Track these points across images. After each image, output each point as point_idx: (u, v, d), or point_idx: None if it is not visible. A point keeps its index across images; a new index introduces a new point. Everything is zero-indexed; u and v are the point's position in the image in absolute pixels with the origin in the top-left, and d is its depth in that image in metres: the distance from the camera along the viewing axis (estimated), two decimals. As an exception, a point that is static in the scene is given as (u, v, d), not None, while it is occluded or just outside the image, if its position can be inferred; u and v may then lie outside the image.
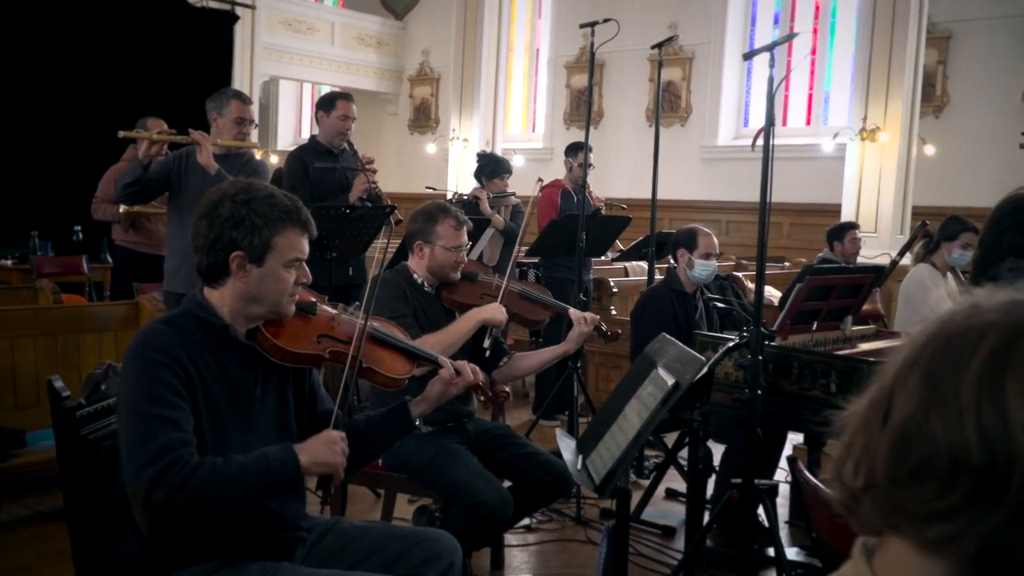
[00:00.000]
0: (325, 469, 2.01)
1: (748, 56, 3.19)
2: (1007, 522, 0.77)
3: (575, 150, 5.82)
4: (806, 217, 11.12)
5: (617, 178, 12.95)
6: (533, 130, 14.82)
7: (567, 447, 2.36)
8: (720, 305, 4.19)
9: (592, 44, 4.70)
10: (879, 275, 4.21)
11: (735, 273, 7.64)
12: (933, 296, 4.50)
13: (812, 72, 12.24)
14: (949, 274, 4.72)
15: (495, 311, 3.14)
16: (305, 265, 2.09)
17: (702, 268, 4.08)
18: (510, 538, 3.79)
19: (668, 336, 2.31)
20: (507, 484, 3.13)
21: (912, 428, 0.81)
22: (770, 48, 2.85)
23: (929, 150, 9.39)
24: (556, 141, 13.63)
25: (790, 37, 3.59)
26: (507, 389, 2.57)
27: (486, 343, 3.17)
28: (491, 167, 5.72)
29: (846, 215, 8.82)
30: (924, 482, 0.80)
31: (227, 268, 2.01)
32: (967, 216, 7.35)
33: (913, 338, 0.86)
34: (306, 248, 2.08)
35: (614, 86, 13.62)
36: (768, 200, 2.78)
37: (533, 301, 3.47)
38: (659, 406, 2.02)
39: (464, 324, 3.10)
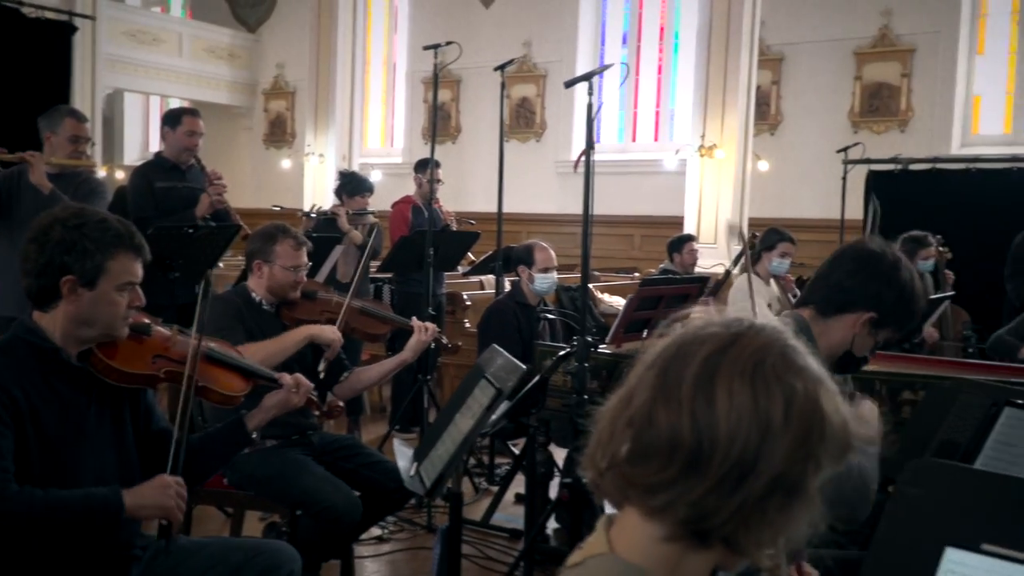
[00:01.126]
0: (156, 512, 2.05)
1: (569, 84, 3.38)
2: (708, 492, 0.97)
3: (423, 166, 5.94)
4: (655, 229, 11.59)
5: (475, 192, 13.16)
6: (392, 145, 14.86)
7: (403, 455, 2.46)
8: (550, 316, 4.39)
9: (436, 66, 4.84)
10: (704, 284, 4.50)
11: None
12: (755, 304, 4.84)
13: (659, 90, 12.81)
14: (772, 281, 5.10)
15: (325, 330, 3.19)
16: (139, 288, 2.12)
17: (542, 281, 4.27)
18: (361, 549, 3.85)
19: (497, 347, 2.45)
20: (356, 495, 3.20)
21: (644, 416, 1.00)
22: (587, 77, 3.06)
23: (763, 165, 9.99)
24: (415, 156, 13.68)
25: (604, 68, 3.84)
26: (341, 404, 2.66)
27: (321, 366, 3.20)
28: (352, 185, 5.78)
29: (688, 227, 9.28)
30: (650, 460, 0.99)
31: (58, 292, 2.02)
32: (799, 226, 7.89)
33: (657, 344, 1.05)
34: (139, 272, 2.11)
35: (471, 102, 13.84)
36: (590, 216, 2.96)
37: (373, 316, 3.57)
38: (484, 412, 2.15)
39: (291, 337, 3.13)
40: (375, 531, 3.97)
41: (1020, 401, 2.39)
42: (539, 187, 13.36)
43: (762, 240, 5.06)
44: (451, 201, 8.53)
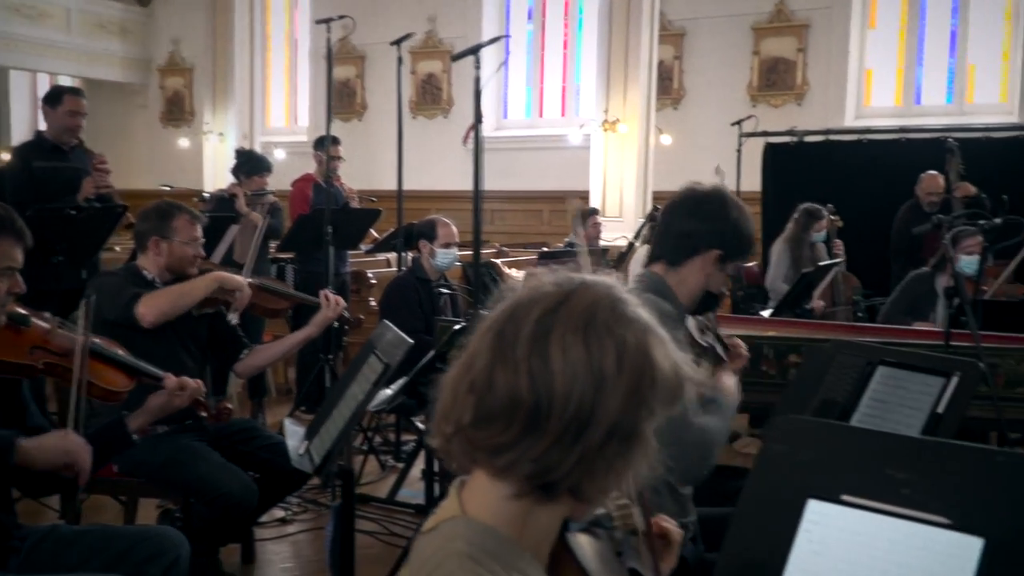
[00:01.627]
0: (59, 456, 2.00)
1: (456, 57, 3.37)
2: (550, 447, 1.00)
3: (323, 143, 5.84)
4: (562, 204, 11.67)
5: (383, 170, 13.01)
6: (296, 123, 14.57)
7: (294, 435, 2.44)
8: (444, 291, 4.39)
9: (329, 40, 4.75)
10: (601, 257, 4.55)
11: (493, 260, 7.95)
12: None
13: (565, 65, 12.85)
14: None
15: (234, 276, 3.18)
16: (18, 275, 2.04)
17: (443, 256, 4.26)
18: (263, 532, 3.81)
19: (387, 322, 2.44)
20: (255, 476, 3.16)
21: (484, 379, 1.02)
22: (474, 51, 3.05)
23: (666, 139, 10.13)
24: (320, 134, 13.50)
25: (492, 41, 3.83)
26: (230, 406, 2.64)
27: (231, 319, 3.19)
28: (249, 164, 5.64)
29: (594, 202, 9.36)
30: (493, 423, 1.01)
31: None
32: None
33: (493, 309, 1.07)
34: (19, 257, 2.04)
35: (376, 78, 13.66)
36: (480, 191, 2.96)
37: (271, 292, 3.53)
38: (372, 388, 2.14)
39: (199, 282, 3.10)
40: (278, 513, 3.93)
41: (892, 360, 2.49)
42: (447, 164, 13.29)
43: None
44: (360, 179, 8.42)
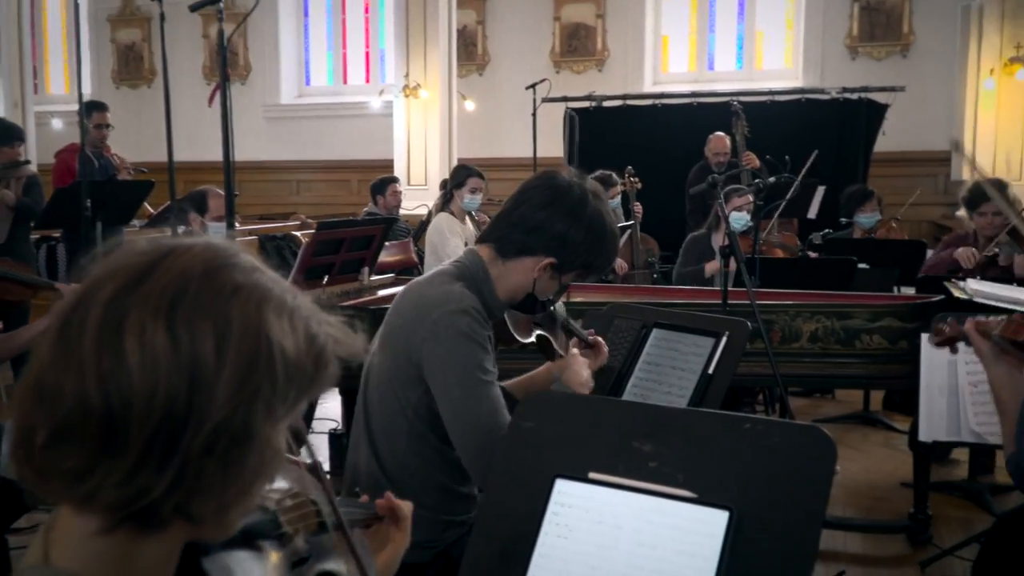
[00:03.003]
0: None
1: (194, 8, 3.07)
2: (136, 465, 0.76)
3: (90, 110, 5.33)
4: (371, 173, 11.36)
5: (178, 140, 12.22)
6: (79, 90, 13.44)
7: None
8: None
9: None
10: (390, 226, 4.36)
11: (293, 233, 7.61)
12: (451, 243, 4.80)
13: (367, 30, 12.47)
14: (467, 219, 5.06)
15: None
16: None
17: (215, 231, 3.94)
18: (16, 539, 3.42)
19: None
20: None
21: (51, 386, 0.77)
22: (213, 1, 2.77)
23: (469, 105, 10.01)
24: (105, 101, 12.54)
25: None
26: None
27: None
28: (-3, 135, 5.06)
29: (398, 170, 9.15)
30: (65, 442, 0.76)
31: None
32: (508, 166, 7.95)
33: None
34: None
35: (167, 43, 12.75)
36: (231, 161, 2.70)
37: (10, 281, 3.13)
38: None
39: None
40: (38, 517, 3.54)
41: (666, 322, 2.46)
42: (249, 133, 12.65)
43: (452, 177, 5.00)
44: (150, 150, 7.81)
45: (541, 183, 1.96)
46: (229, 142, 2.72)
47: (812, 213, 6.26)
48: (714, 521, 1.24)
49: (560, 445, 1.41)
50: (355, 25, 12.53)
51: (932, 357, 2.41)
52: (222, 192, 4.09)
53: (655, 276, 5.98)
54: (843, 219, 5.80)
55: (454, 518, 1.94)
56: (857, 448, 4.65)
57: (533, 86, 6.39)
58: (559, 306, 2.18)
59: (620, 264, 5.92)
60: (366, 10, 12.36)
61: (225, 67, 2.65)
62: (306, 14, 12.77)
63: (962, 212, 5.89)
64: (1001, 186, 4.17)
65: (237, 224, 4.10)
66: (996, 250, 4.22)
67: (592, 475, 1.35)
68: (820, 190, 6.15)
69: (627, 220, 6.14)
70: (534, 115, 6.42)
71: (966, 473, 4.09)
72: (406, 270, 5.44)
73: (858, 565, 3.28)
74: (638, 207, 6.37)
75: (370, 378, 1.98)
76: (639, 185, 6.46)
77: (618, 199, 6.15)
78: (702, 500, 1.26)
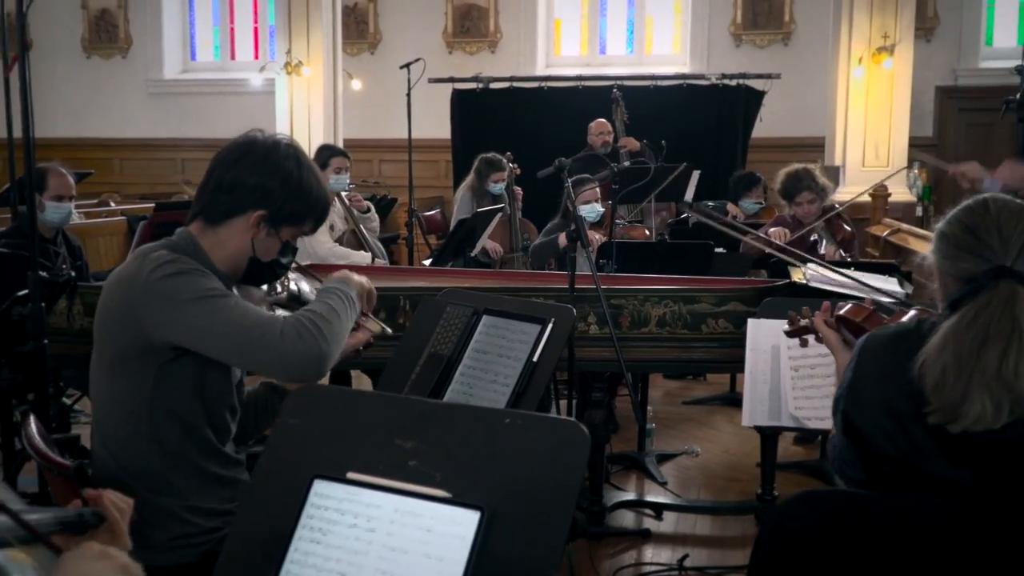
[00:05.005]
0: None
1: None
2: None
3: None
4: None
5: (55, 116, 11.70)
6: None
7: None
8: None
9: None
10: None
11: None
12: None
13: (255, 4, 12.11)
14: (336, 201, 4.93)
15: None
16: None
17: (55, 211, 3.73)
18: None
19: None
20: None
21: None
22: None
23: (356, 84, 9.82)
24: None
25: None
26: None
27: None
28: None
29: (282, 149, 8.91)
30: None
31: None
32: (397, 147, 7.78)
33: None
34: None
35: (42, 13, 12.15)
36: (31, 137, 2.52)
37: None
38: None
39: None
40: None
41: (495, 308, 2.41)
42: (130, 109, 12.19)
43: (316, 157, 4.85)
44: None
45: (230, 145, 1.94)
46: (30, 118, 2.55)
47: (688, 197, 6.33)
48: (466, 522, 1.19)
49: (323, 443, 1.35)
50: (243, 0, 12.15)
51: (757, 342, 2.43)
52: (65, 171, 3.87)
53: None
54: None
55: (216, 507, 1.84)
56: (720, 429, 4.73)
57: (407, 66, 6.27)
58: (304, 287, 2.09)
59: (495, 247, 5.88)
60: (256, -11, 11.99)
61: (23, 36, 2.46)
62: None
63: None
64: (811, 174, 4.34)
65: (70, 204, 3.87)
66: (814, 237, 4.41)
67: (351, 475, 1.29)
68: (695, 174, 6.22)
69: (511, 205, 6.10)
70: (408, 96, 6.30)
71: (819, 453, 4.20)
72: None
73: (704, 547, 3.32)
74: (518, 191, 6.33)
75: (95, 382, 1.87)
76: (518, 171, 6.42)
77: (501, 185, 6.10)
78: (456, 500, 1.22)
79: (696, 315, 3.18)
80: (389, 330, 1.99)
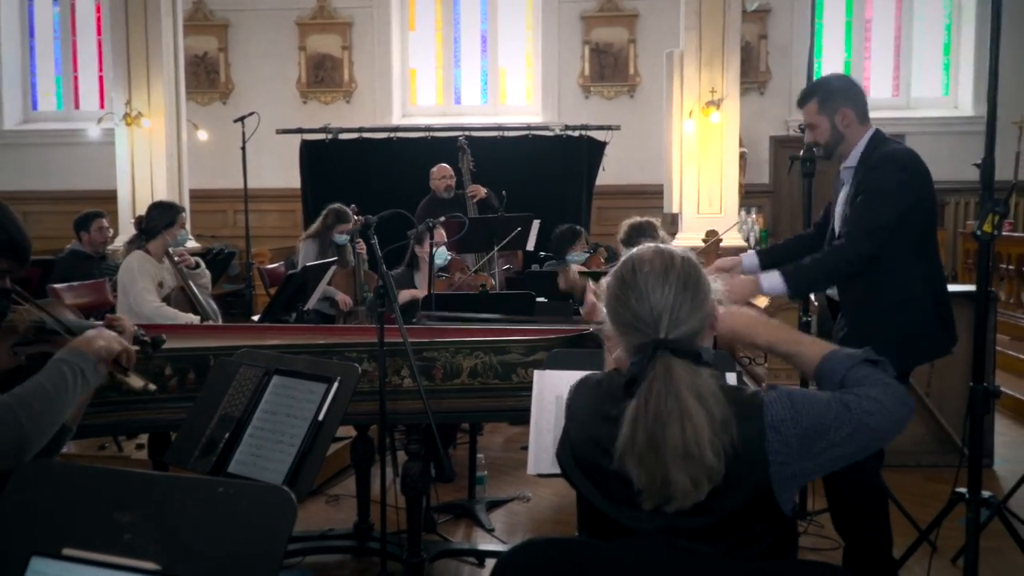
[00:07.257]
0: None
1: None
2: None
3: None
4: (99, 205, 10.72)
5: None
6: None
7: None
8: None
9: None
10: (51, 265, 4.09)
11: None
12: (139, 284, 4.58)
13: (99, 53, 11.80)
14: (166, 259, 4.83)
15: None
16: None
17: None
18: None
19: None
20: None
21: None
22: None
23: (202, 135, 9.68)
24: None
25: None
26: None
27: None
28: None
29: (122, 200, 8.67)
30: None
31: None
32: (256, 197, 7.63)
33: None
34: None
35: None
36: None
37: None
38: None
39: None
40: None
41: (285, 368, 2.44)
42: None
43: (158, 218, 4.75)
44: None
45: None
46: None
47: (530, 245, 6.50)
48: (172, 593, 1.22)
49: (45, 519, 1.35)
50: (87, 49, 11.83)
51: (542, 393, 2.53)
52: None
53: (381, 311, 5.97)
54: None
55: None
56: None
57: (242, 119, 6.25)
58: (48, 318, 2.04)
59: (344, 299, 5.89)
60: (98, 32, 11.69)
61: None
62: (32, 35, 11.92)
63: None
64: (653, 226, 4.54)
65: None
66: None
67: (67, 551, 1.29)
68: (535, 223, 6.40)
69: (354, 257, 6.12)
70: (243, 148, 6.27)
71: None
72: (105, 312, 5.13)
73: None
74: (361, 244, 6.36)
75: None
76: (361, 221, 6.44)
77: (345, 236, 6.09)
78: (165, 572, 1.24)
79: (506, 365, 3.26)
80: (153, 386, 1.97)
